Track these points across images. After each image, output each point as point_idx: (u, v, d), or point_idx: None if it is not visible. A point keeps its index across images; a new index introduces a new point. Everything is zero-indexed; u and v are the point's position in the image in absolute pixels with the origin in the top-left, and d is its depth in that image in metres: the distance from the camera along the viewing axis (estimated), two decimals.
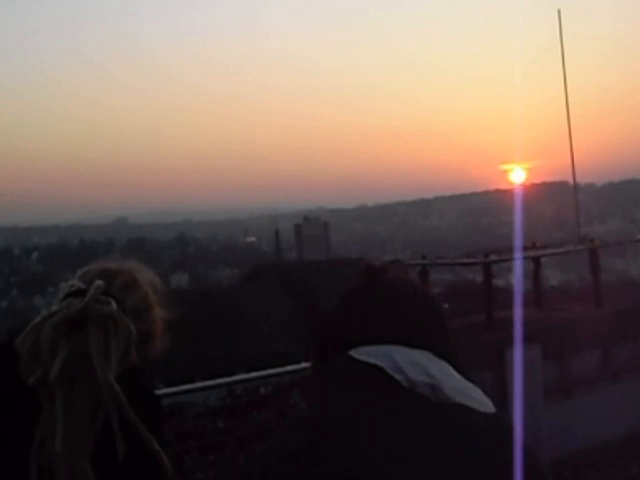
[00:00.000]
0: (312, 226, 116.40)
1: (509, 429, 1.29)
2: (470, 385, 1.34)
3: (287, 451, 1.26)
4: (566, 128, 12.56)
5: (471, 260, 11.09)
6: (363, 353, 1.33)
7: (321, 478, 1.21)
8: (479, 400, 1.31)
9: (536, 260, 11.43)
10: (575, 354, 9.54)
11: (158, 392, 1.86)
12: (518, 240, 10.41)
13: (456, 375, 1.34)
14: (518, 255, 9.93)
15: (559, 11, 12.59)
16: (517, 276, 9.21)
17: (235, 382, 9.79)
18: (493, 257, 10.63)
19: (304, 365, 10.94)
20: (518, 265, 9.77)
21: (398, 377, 1.29)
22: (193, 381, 11.15)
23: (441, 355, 1.36)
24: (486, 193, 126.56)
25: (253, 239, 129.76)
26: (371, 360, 1.32)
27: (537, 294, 11.47)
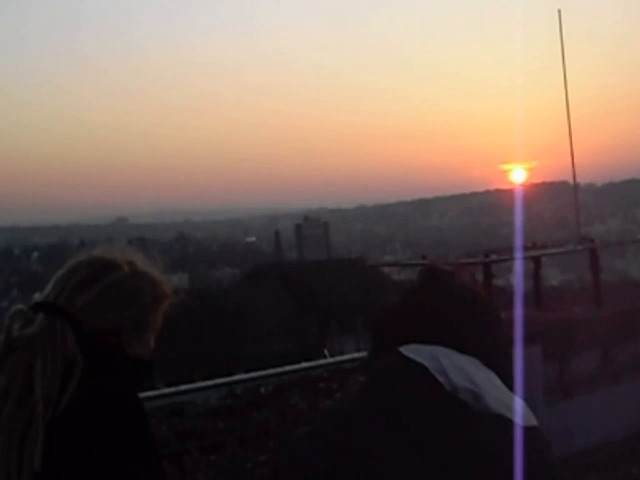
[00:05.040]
0: (312, 226, 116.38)
1: (539, 443, 1.30)
2: (513, 397, 1.34)
3: (315, 444, 1.31)
4: (566, 128, 12.57)
5: (471, 260, 11.08)
6: (412, 351, 1.35)
7: (346, 471, 1.24)
8: (520, 412, 1.31)
9: (536, 260, 11.42)
10: (575, 354, 9.53)
11: (151, 393, 1.83)
12: (518, 240, 10.41)
13: (500, 386, 1.34)
14: (518, 255, 9.92)
15: (559, 11, 12.59)
16: (517, 276, 9.21)
17: (235, 382, 9.79)
18: (493, 257, 10.63)
19: (304, 365, 10.94)
20: (518, 265, 9.76)
21: (441, 379, 1.30)
22: (193, 381, 11.15)
23: (490, 365, 1.36)
24: (486, 193, 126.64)
25: (253, 239, 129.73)
26: (418, 359, 1.33)
27: (537, 294, 11.46)
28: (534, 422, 1.32)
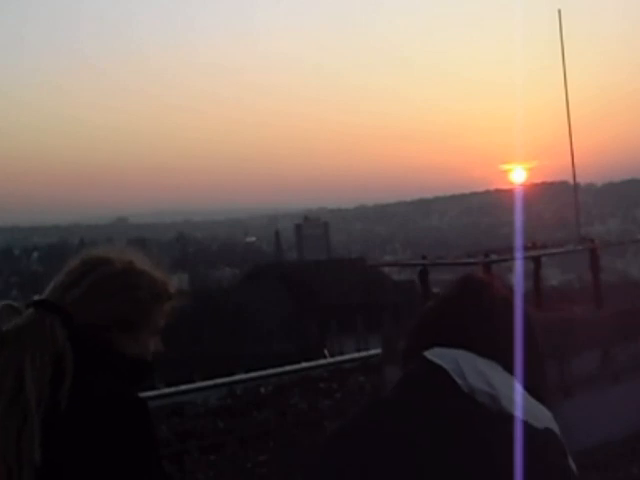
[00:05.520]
0: (312, 226, 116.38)
1: (553, 446, 1.32)
2: (531, 400, 1.38)
3: (339, 446, 1.35)
4: (566, 128, 12.57)
5: (471, 260, 11.08)
6: (436, 354, 1.41)
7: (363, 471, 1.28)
8: (535, 414, 1.34)
9: (536, 260, 11.42)
10: (575, 354, 9.53)
11: (151, 393, 1.84)
12: (518, 240, 10.42)
13: (519, 389, 1.38)
14: (518, 255, 9.92)
15: (559, 11, 12.58)
16: (517, 276, 9.21)
17: (235, 382, 9.80)
18: (493, 257, 10.63)
19: (304, 365, 10.95)
20: (518, 265, 9.77)
21: (459, 381, 1.35)
22: (193, 381, 11.15)
23: (510, 369, 1.41)
24: (486, 193, 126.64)
25: (253, 239, 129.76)
26: (439, 362, 1.39)
27: (537, 294, 11.46)
28: (551, 425, 1.35)
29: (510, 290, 1.57)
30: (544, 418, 1.35)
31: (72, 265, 1.78)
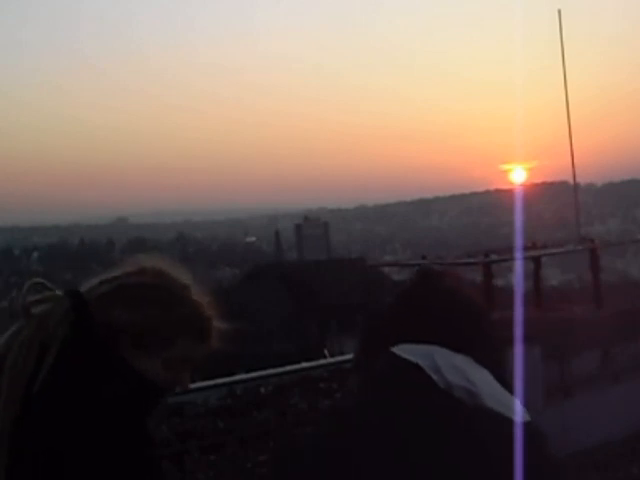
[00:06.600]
0: (312, 226, 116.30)
1: (537, 438, 1.31)
2: (507, 394, 1.36)
3: (314, 447, 1.34)
4: (566, 128, 12.57)
5: (471, 260, 11.09)
6: (405, 351, 1.36)
7: (343, 471, 1.26)
8: (515, 409, 1.33)
9: (536, 260, 11.42)
10: (575, 354, 9.53)
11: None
12: (518, 240, 10.41)
13: (496, 384, 1.36)
14: (518, 255, 9.93)
15: (559, 11, 12.59)
16: (517, 276, 9.21)
17: (235, 382, 9.78)
18: (493, 257, 10.64)
19: (304, 365, 10.93)
20: (518, 265, 9.77)
21: (434, 377, 1.32)
22: (193, 381, 11.16)
23: (482, 363, 1.38)
24: (486, 193, 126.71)
25: (253, 239, 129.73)
26: (411, 358, 1.34)
27: (537, 294, 11.46)
28: (528, 417, 1.34)
29: (459, 281, 1.54)
30: (521, 411, 1.34)
31: (125, 265, 1.74)
